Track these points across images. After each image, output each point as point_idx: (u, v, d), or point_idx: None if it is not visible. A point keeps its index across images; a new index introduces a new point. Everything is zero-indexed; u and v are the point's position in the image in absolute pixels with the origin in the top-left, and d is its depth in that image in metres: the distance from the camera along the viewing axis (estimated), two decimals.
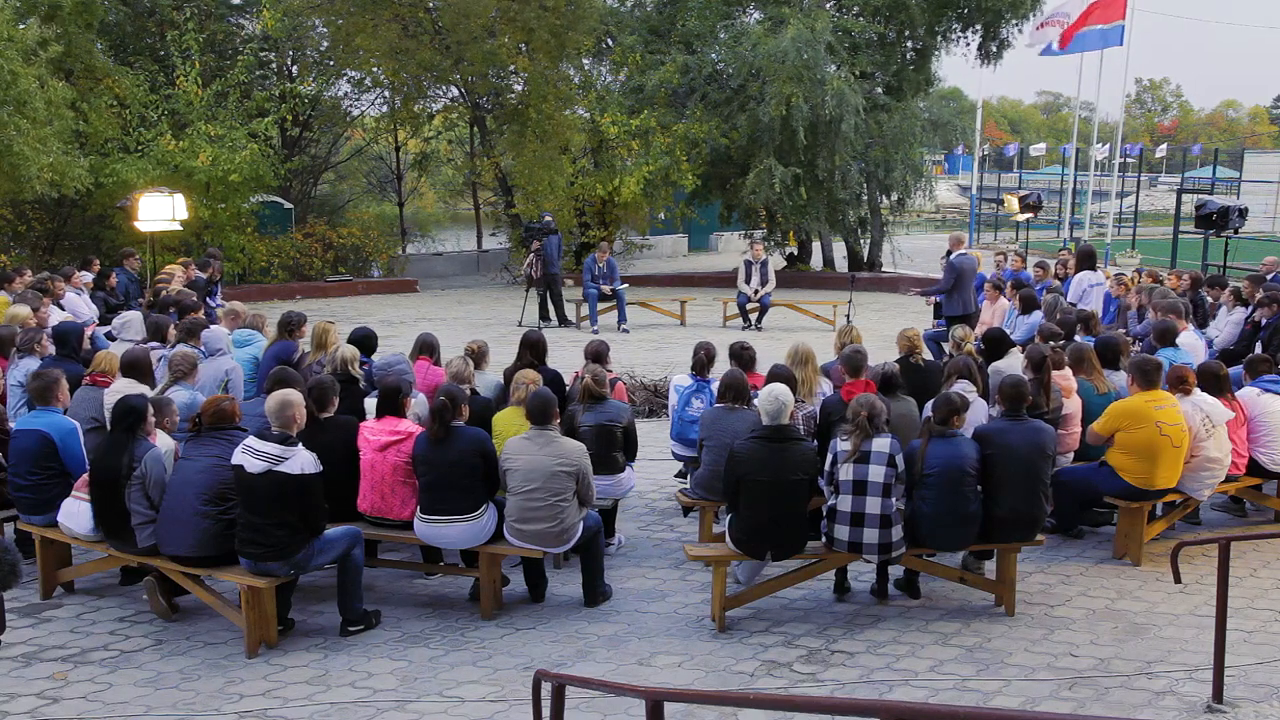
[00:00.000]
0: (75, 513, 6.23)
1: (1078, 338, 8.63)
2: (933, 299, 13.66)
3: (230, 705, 5.26)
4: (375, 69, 21.48)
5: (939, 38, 22.93)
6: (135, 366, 7.21)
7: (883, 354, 9.37)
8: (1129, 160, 38.88)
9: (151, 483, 5.89)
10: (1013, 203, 19.05)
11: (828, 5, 22.16)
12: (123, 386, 6.99)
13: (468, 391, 6.94)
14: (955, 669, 5.59)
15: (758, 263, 16.67)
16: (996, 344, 8.36)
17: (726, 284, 18.75)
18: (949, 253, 13.18)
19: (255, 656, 5.75)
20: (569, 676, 4.60)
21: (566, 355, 12.11)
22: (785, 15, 20.51)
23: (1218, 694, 5.12)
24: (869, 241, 24.05)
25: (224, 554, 5.83)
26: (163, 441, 6.19)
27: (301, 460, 5.72)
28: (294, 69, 23.13)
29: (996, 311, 11.96)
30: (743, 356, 7.57)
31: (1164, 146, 56.26)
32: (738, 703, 4.92)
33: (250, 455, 5.68)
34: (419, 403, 6.95)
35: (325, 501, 5.99)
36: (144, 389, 6.90)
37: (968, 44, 23.31)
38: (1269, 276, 11.80)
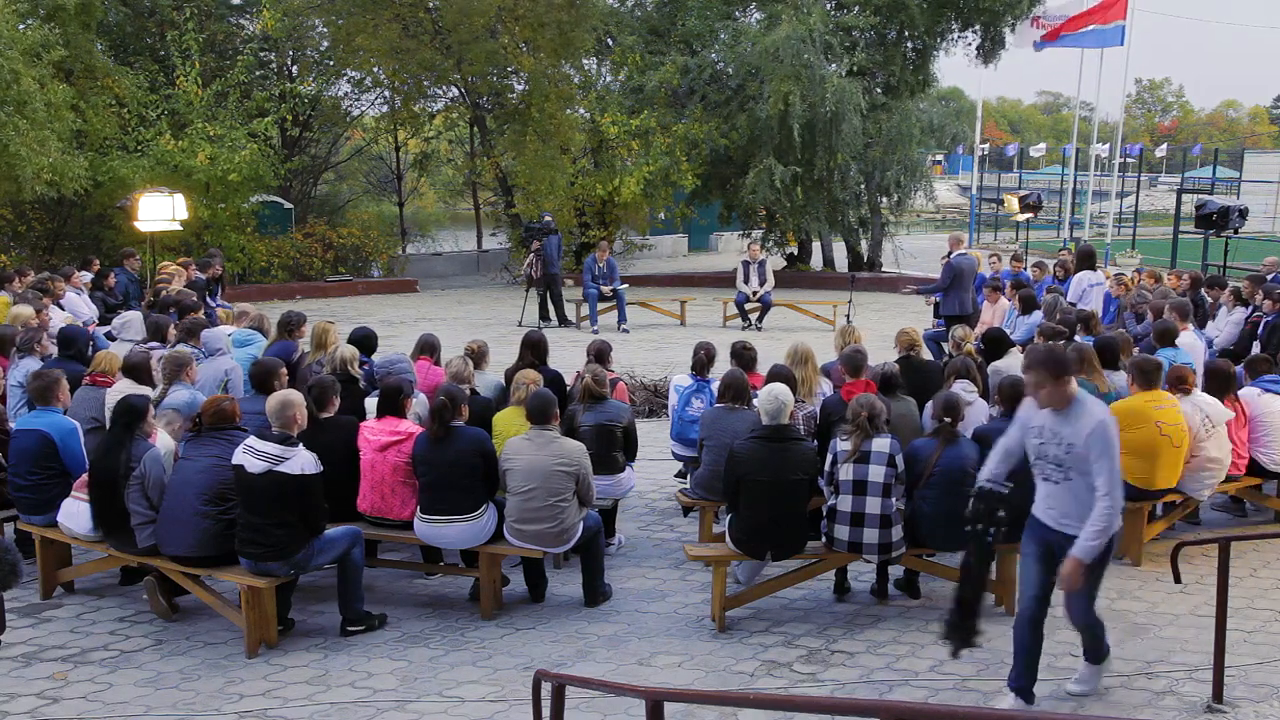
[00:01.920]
0: (75, 513, 6.22)
1: (1078, 338, 8.63)
2: (932, 299, 13.67)
3: (230, 705, 5.26)
4: (375, 69, 21.50)
5: (938, 37, 22.92)
6: (136, 369, 7.20)
7: (883, 354, 9.37)
8: (1129, 160, 38.87)
9: (150, 483, 5.89)
10: (1013, 203, 19.05)
11: (828, 5, 22.15)
12: (124, 387, 6.99)
13: (468, 391, 6.94)
14: (955, 669, 5.59)
15: (755, 263, 16.69)
16: (996, 344, 8.37)
17: (726, 284, 18.76)
18: (950, 253, 13.20)
19: (255, 656, 5.75)
20: (569, 676, 4.60)
21: (567, 355, 12.11)
22: (779, 13, 20.51)
23: (1218, 694, 5.12)
24: (869, 241, 24.05)
25: (224, 554, 5.83)
26: (162, 441, 6.19)
27: (302, 460, 5.71)
28: (294, 69, 23.13)
29: (996, 312, 11.96)
30: (744, 356, 7.56)
31: (1164, 146, 56.28)
32: (738, 703, 4.92)
33: (250, 455, 5.68)
34: (419, 403, 6.95)
35: (325, 501, 5.99)
36: (144, 390, 6.90)
37: (968, 43, 23.34)
38: (1269, 277, 11.81)
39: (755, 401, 6.52)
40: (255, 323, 9.29)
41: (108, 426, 6.33)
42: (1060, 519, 4.87)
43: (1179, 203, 23.86)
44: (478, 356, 7.80)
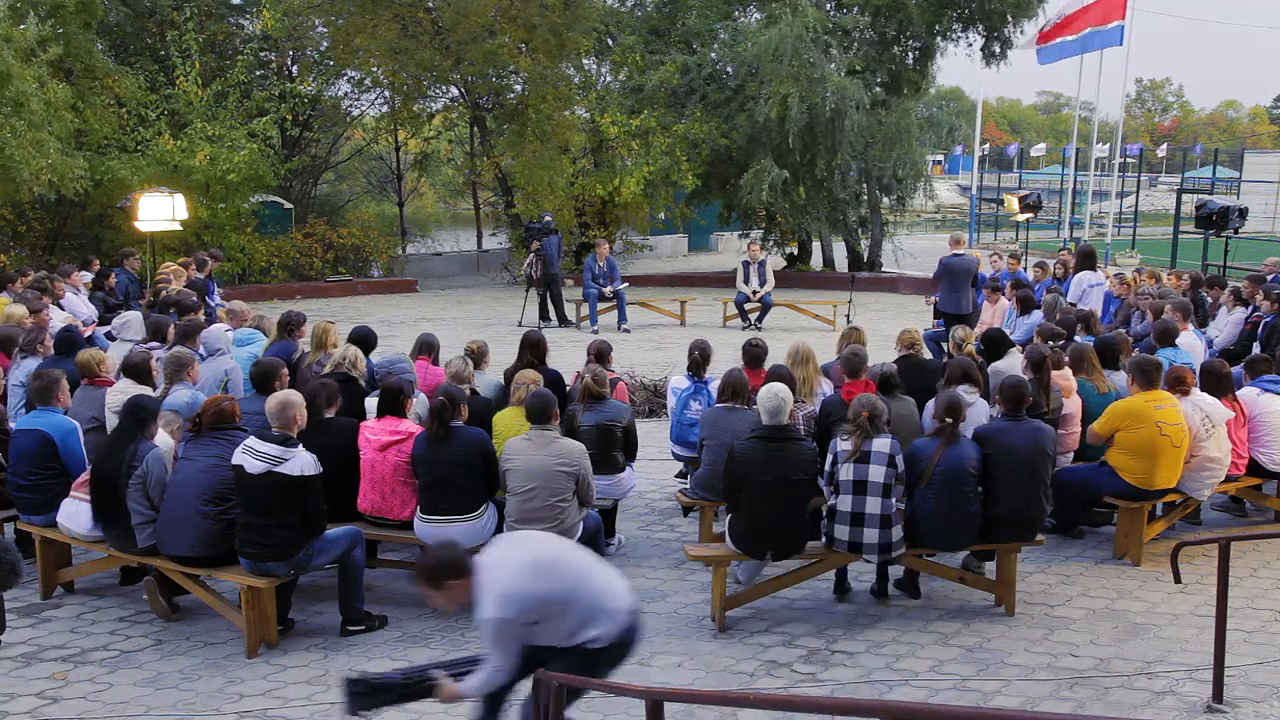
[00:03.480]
0: (74, 513, 6.22)
1: (1078, 338, 8.63)
2: (932, 299, 13.71)
3: (230, 705, 5.26)
4: (375, 69, 21.48)
5: (939, 38, 22.91)
6: (136, 369, 7.18)
7: (883, 354, 9.37)
8: (1129, 160, 38.91)
9: (152, 482, 5.88)
10: (1013, 203, 19.05)
11: (827, 6, 22.15)
12: (123, 387, 6.98)
13: (467, 391, 6.94)
14: (955, 669, 5.59)
15: (755, 263, 16.68)
16: (996, 344, 8.36)
17: (726, 284, 18.76)
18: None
19: (255, 656, 5.75)
20: (569, 677, 4.60)
21: (567, 355, 12.12)
22: (775, 12, 20.51)
23: (1218, 694, 5.12)
24: (869, 241, 24.05)
25: (224, 554, 5.83)
26: (162, 441, 6.18)
27: (301, 462, 5.71)
28: (294, 69, 23.13)
29: (996, 312, 11.96)
30: (753, 352, 7.62)
31: (1164, 146, 56.35)
32: (738, 703, 4.91)
33: (250, 456, 5.67)
34: (419, 403, 6.95)
35: (325, 502, 5.98)
36: (145, 390, 6.89)
37: (970, 44, 23.32)
38: (1269, 277, 11.80)
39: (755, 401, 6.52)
40: (255, 323, 9.29)
41: (117, 422, 6.29)
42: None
43: (1179, 203, 23.87)
44: (478, 356, 7.80)
